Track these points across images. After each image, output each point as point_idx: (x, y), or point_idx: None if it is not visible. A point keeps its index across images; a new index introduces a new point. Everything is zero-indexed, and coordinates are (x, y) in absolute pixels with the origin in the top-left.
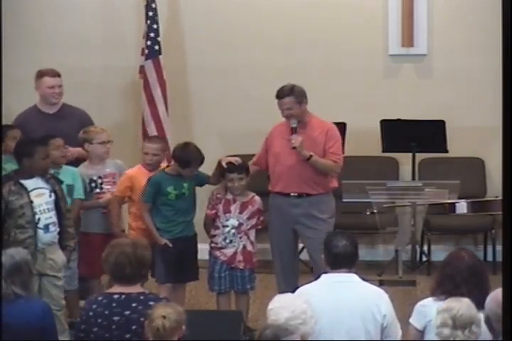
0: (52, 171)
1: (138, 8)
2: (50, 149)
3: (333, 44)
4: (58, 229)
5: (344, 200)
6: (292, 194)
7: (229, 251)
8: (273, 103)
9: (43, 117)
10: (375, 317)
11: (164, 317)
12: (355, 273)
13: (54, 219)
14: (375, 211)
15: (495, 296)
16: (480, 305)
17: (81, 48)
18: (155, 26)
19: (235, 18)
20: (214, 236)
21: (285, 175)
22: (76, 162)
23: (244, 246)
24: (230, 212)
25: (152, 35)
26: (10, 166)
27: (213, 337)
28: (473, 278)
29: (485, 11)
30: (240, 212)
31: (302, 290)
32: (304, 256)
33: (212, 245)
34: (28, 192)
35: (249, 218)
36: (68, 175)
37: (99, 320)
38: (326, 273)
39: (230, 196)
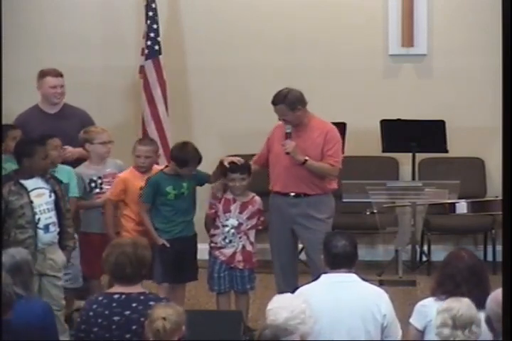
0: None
1: (138, 8)
2: (47, 149)
3: (333, 44)
4: (58, 229)
5: (344, 200)
6: (291, 194)
7: (228, 251)
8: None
9: (44, 117)
10: (375, 317)
11: (164, 318)
12: (355, 273)
13: (54, 219)
14: (375, 211)
15: (495, 296)
16: (480, 304)
17: (81, 48)
18: (155, 26)
19: (235, 18)
20: (213, 235)
21: (283, 176)
22: (76, 162)
23: (244, 246)
24: (229, 211)
25: (152, 35)
26: (10, 166)
27: (213, 337)
28: (473, 278)
29: (485, 11)
30: (240, 212)
31: (302, 290)
32: (304, 256)
33: (212, 245)
34: (28, 192)
35: (249, 218)
36: (63, 173)
37: (100, 320)
38: (325, 273)
39: (230, 196)
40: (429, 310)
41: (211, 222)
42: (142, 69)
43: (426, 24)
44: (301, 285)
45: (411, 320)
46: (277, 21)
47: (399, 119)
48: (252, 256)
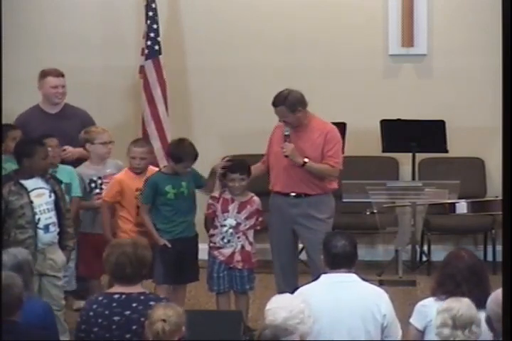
0: (50, 170)
1: (138, 8)
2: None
3: (333, 44)
4: (58, 230)
5: (344, 200)
6: (291, 194)
7: (227, 251)
8: None
9: (44, 117)
10: (375, 317)
11: (164, 320)
12: (355, 273)
13: (54, 219)
14: (375, 211)
15: (495, 296)
16: (480, 304)
17: (81, 48)
18: (155, 26)
19: (235, 18)
20: (212, 235)
21: (283, 176)
22: (77, 162)
23: (243, 246)
24: (228, 211)
25: (152, 35)
26: (10, 166)
27: (213, 337)
28: (473, 277)
29: (485, 11)
30: (238, 212)
31: (302, 290)
32: (304, 256)
33: (211, 245)
34: (28, 192)
35: (247, 218)
36: (65, 173)
37: (100, 320)
38: (325, 273)
39: (228, 195)
40: (429, 310)
41: (210, 222)
42: (142, 69)
43: (426, 24)
44: (301, 285)
45: (411, 320)
46: (277, 21)
47: (399, 119)
48: (251, 256)
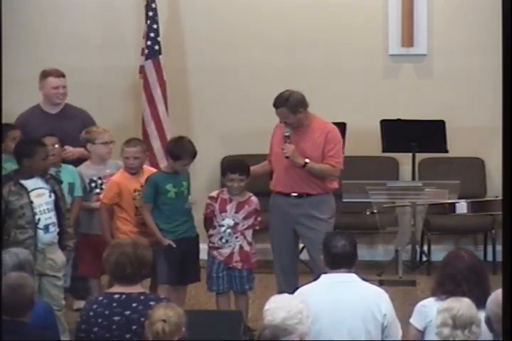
0: (53, 170)
1: (138, 8)
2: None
3: (333, 44)
4: (58, 230)
5: (344, 200)
6: (293, 194)
7: (225, 251)
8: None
9: (45, 117)
10: (376, 317)
11: (164, 321)
12: (355, 273)
13: (54, 219)
14: (375, 211)
15: (495, 297)
16: (480, 303)
17: (81, 48)
18: (155, 26)
19: (235, 18)
20: (211, 235)
21: (284, 176)
22: (77, 162)
23: (242, 247)
24: (226, 211)
25: (152, 35)
26: (9, 166)
27: (213, 337)
28: (473, 276)
29: (485, 11)
30: (236, 212)
31: (302, 290)
32: (304, 256)
33: (210, 245)
34: (28, 192)
35: (245, 218)
36: (68, 173)
37: (100, 320)
38: (325, 273)
39: (226, 195)
40: (430, 311)
41: (209, 223)
42: (142, 69)
43: (426, 24)
44: (302, 286)
45: (411, 320)
46: (277, 21)
47: (399, 119)
48: (251, 256)
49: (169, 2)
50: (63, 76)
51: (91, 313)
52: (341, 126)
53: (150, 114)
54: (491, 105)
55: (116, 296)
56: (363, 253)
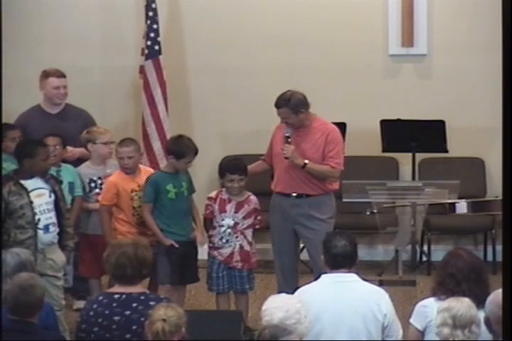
0: (54, 170)
1: (138, 8)
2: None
3: (333, 44)
4: (58, 230)
5: (344, 200)
6: (293, 194)
7: (226, 251)
8: (273, 103)
9: (45, 117)
10: (376, 317)
11: (164, 320)
12: (355, 273)
13: (54, 219)
14: (375, 211)
15: (495, 298)
16: (480, 302)
17: (81, 48)
18: (155, 26)
19: (235, 18)
20: (211, 236)
21: (284, 177)
22: (77, 162)
23: (242, 246)
24: (225, 211)
25: (152, 35)
26: (9, 166)
27: (213, 337)
28: (473, 275)
29: (485, 11)
30: (236, 212)
31: (302, 290)
32: (304, 256)
33: (210, 245)
34: (28, 192)
35: (245, 217)
36: (69, 173)
37: (100, 320)
38: (325, 273)
39: (225, 195)
40: (430, 311)
41: (209, 223)
42: (142, 70)
43: (426, 24)
44: (302, 285)
45: (411, 321)
46: (277, 21)
47: (399, 119)
48: (251, 256)
49: (169, 2)
50: (64, 76)
51: (91, 313)
52: (341, 126)
53: (150, 114)
54: (491, 105)
55: (117, 296)
56: (363, 253)
